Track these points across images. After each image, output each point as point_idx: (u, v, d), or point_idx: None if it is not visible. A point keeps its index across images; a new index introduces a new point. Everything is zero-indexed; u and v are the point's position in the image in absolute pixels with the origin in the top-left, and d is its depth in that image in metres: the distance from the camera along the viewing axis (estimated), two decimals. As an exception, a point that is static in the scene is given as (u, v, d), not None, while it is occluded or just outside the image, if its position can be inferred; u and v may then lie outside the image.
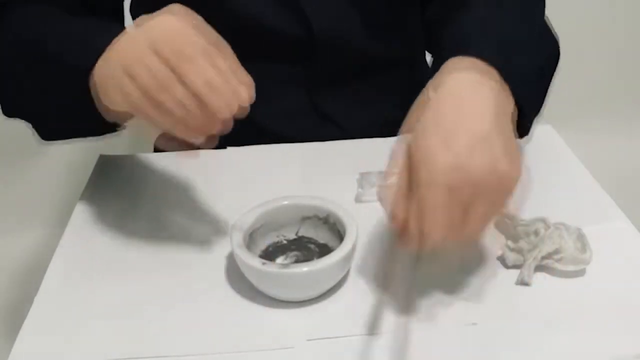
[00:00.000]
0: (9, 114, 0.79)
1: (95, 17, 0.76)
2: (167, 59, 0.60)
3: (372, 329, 0.61)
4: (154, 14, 0.65)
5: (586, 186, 0.81)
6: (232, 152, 0.86)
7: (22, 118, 0.78)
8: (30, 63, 0.73)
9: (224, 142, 0.87)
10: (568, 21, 1.98)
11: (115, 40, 0.65)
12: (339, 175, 0.80)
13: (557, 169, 0.84)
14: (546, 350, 0.59)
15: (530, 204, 0.74)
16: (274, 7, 0.86)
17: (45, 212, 1.62)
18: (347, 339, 0.61)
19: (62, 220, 0.77)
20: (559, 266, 0.66)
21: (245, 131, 0.87)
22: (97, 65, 0.66)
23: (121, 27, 0.68)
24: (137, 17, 0.79)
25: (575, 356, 0.59)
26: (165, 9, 0.65)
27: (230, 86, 0.61)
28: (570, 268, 0.66)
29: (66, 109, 0.72)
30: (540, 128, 0.92)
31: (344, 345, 0.60)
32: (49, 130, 0.78)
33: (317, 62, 0.90)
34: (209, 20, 0.87)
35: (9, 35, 0.77)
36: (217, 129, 0.63)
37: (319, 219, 0.69)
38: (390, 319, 0.62)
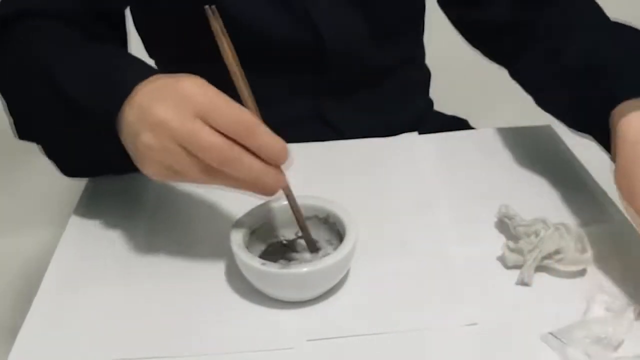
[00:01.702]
0: (23, 138, 0.76)
1: (101, 36, 0.75)
2: (226, 131, 0.57)
3: (373, 328, 0.61)
4: (175, 76, 0.61)
5: (586, 186, 0.81)
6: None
7: (39, 146, 0.75)
8: (40, 92, 0.71)
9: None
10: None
11: (143, 89, 0.61)
12: (340, 176, 0.80)
13: (557, 169, 0.84)
14: (546, 351, 0.59)
15: (530, 204, 0.74)
16: (285, 18, 0.87)
17: (45, 213, 1.62)
18: (347, 339, 0.61)
19: (61, 221, 0.77)
20: (559, 266, 0.66)
21: None
22: (124, 111, 0.62)
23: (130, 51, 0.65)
24: (140, 29, 0.78)
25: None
26: (181, 75, 0.61)
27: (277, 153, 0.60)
28: (571, 268, 0.66)
29: (85, 147, 0.69)
30: (540, 128, 0.93)
31: (344, 346, 0.60)
32: (69, 167, 0.75)
33: (325, 72, 0.90)
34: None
35: (13, 56, 0.76)
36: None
37: (319, 219, 0.69)
38: (390, 319, 0.63)
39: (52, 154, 0.75)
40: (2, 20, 0.79)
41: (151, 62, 1.04)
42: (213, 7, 0.60)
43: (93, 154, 0.69)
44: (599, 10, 0.80)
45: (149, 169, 0.62)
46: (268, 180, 0.60)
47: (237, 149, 0.58)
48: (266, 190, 0.61)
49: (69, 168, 0.76)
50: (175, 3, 0.86)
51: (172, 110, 0.58)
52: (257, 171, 0.59)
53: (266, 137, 0.58)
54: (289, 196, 0.65)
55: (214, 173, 0.59)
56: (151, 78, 0.63)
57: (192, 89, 0.59)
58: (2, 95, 0.76)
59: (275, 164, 0.60)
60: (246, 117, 0.58)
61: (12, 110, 0.75)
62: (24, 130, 0.76)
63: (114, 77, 0.65)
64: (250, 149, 0.58)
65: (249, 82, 0.92)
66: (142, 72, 0.63)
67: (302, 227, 0.67)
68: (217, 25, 0.60)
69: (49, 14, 0.79)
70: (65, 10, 0.79)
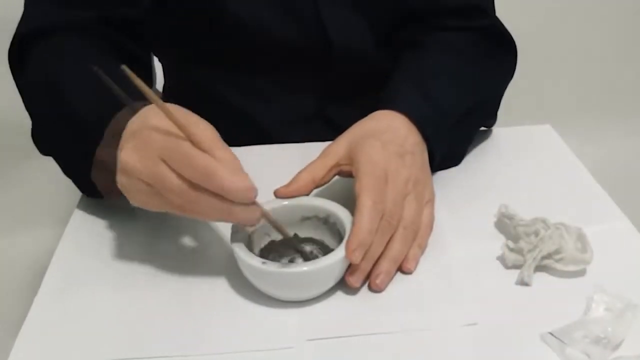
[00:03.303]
0: (44, 153, 0.79)
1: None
2: (187, 177, 0.59)
3: (372, 328, 0.61)
4: (145, 119, 0.63)
5: (586, 186, 0.81)
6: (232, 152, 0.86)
7: (56, 161, 0.77)
8: (51, 108, 0.73)
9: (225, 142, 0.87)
10: (568, 22, 1.99)
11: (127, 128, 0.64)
12: (340, 176, 0.80)
13: (557, 169, 0.84)
14: (546, 351, 0.59)
15: (530, 204, 0.74)
16: (294, 21, 0.87)
17: (45, 213, 1.62)
18: (347, 339, 0.61)
19: (62, 221, 0.77)
20: (559, 266, 0.66)
21: (249, 135, 0.88)
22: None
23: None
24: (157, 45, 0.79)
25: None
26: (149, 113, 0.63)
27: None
28: (571, 268, 0.66)
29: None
30: (540, 128, 0.93)
31: (344, 346, 0.60)
32: (80, 184, 0.76)
33: (330, 74, 0.91)
34: (228, 33, 0.89)
35: (34, 74, 0.78)
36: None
37: (319, 219, 0.69)
38: (390, 319, 0.63)
39: (65, 171, 0.76)
40: (19, 41, 0.80)
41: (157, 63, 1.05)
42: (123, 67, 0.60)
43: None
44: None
45: (134, 204, 0.64)
46: (238, 216, 0.61)
47: (194, 193, 0.59)
48: (244, 224, 0.64)
49: (82, 186, 0.77)
50: (182, 12, 0.87)
51: (135, 154, 0.61)
52: (222, 211, 0.60)
53: (226, 181, 0.58)
54: (272, 223, 0.66)
55: (187, 210, 0.61)
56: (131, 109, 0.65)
57: (156, 134, 0.61)
58: (28, 112, 0.79)
59: (241, 203, 0.60)
60: (202, 163, 0.58)
61: (34, 128, 0.78)
62: (43, 146, 0.79)
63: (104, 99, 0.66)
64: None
65: (250, 82, 0.92)
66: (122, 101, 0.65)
67: (291, 241, 0.67)
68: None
69: (65, 28, 0.79)
70: (82, 22, 0.80)
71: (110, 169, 0.64)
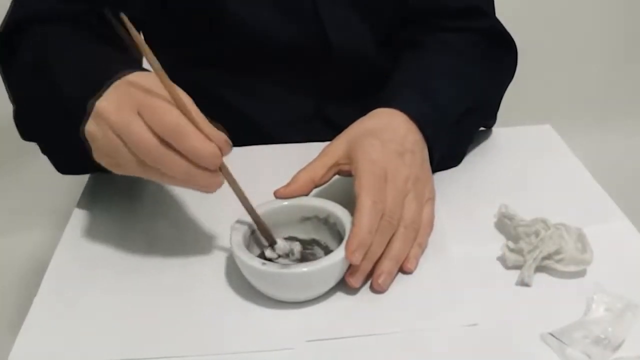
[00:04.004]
0: (27, 138, 0.79)
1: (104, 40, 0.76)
2: (157, 131, 0.59)
3: (373, 329, 0.61)
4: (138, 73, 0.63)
5: (586, 186, 0.81)
6: (232, 152, 0.86)
7: (38, 144, 0.77)
8: (34, 91, 0.73)
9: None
10: (569, 22, 1.99)
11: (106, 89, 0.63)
12: (340, 176, 0.80)
13: (557, 169, 0.84)
14: (546, 351, 0.59)
15: (530, 204, 0.74)
16: (294, 21, 0.88)
17: (45, 213, 1.62)
18: (347, 339, 0.61)
19: (61, 221, 0.77)
20: (559, 267, 0.66)
21: (249, 135, 0.88)
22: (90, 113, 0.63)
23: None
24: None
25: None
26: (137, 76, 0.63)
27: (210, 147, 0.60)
28: (571, 268, 0.66)
29: (69, 144, 0.70)
30: (540, 128, 0.93)
31: (344, 346, 0.60)
32: (61, 164, 0.77)
33: (329, 74, 0.91)
34: (227, 34, 0.88)
35: (23, 56, 0.77)
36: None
37: (319, 219, 0.69)
38: (390, 320, 0.63)
39: (47, 151, 0.76)
40: (14, 25, 0.79)
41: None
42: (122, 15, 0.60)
43: (74, 148, 0.70)
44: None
45: (97, 158, 0.64)
46: (199, 182, 0.61)
47: (163, 149, 0.59)
48: (201, 190, 0.63)
49: (61, 165, 0.77)
50: (182, 12, 0.87)
51: (113, 103, 0.61)
52: (185, 173, 0.60)
53: (195, 142, 0.58)
54: (237, 193, 0.65)
55: (148, 168, 0.60)
56: (126, 74, 0.63)
57: (137, 84, 0.60)
58: (12, 96, 0.78)
59: (205, 167, 0.60)
60: (175, 121, 0.58)
61: (19, 112, 0.77)
62: (27, 130, 0.77)
63: (93, 72, 0.66)
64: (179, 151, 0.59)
65: (250, 82, 0.92)
66: (119, 69, 0.64)
67: (256, 221, 0.67)
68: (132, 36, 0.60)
69: (58, 17, 0.79)
70: (76, 13, 0.80)
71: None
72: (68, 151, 0.69)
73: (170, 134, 0.58)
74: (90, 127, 0.62)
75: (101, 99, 0.62)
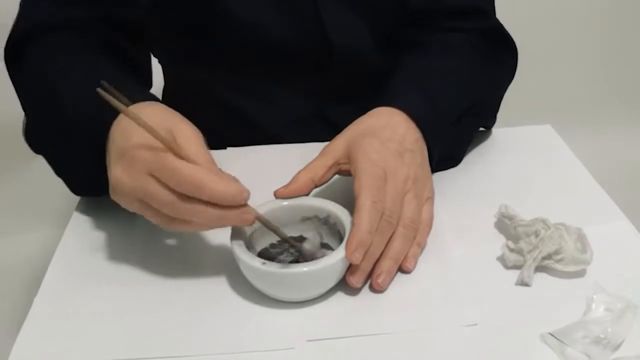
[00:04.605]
0: (37, 152, 0.80)
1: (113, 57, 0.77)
2: (176, 189, 0.60)
3: (373, 329, 0.61)
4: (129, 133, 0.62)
5: (586, 186, 0.81)
6: (232, 152, 0.86)
7: (48, 161, 0.78)
8: (46, 106, 0.74)
9: (224, 142, 0.87)
10: (569, 22, 1.99)
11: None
12: (340, 176, 0.80)
13: (557, 169, 0.84)
14: (546, 351, 0.59)
15: (530, 204, 0.74)
16: (295, 23, 0.87)
17: (45, 213, 1.62)
18: (348, 339, 0.61)
19: (62, 222, 0.77)
20: (559, 267, 0.66)
21: (249, 135, 0.88)
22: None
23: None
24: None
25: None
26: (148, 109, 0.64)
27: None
28: (571, 268, 0.66)
29: (80, 165, 0.72)
30: (540, 128, 0.93)
31: (344, 346, 0.60)
32: (74, 185, 0.77)
33: (330, 75, 0.91)
34: (228, 34, 0.88)
35: (31, 67, 0.78)
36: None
37: (319, 219, 0.69)
38: (390, 320, 0.63)
39: (57, 171, 0.77)
40: (16, 38, 0.80)
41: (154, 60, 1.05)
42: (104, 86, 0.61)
43: (87, 172, 0.71)
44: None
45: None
46: (232, 221, 0.62)
47: (187, 205, 0.60)
48: (236, 226, 0.64)
49: (74, 186, 0.77)
50: (182, 13, 0.87)
51: (126, 174, 0.62)
52: (216, 218, 0.61)
53: (216, 188, 0.59)
54: (265, 224, 0.65)
55: (179, 221, 0.62)
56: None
57: (141, 151, 0.61)
58: (24, 110, 0.79)
59: (234, 206, 0.61)
60: (191, 175, 0.59)
61: (28, 125, 0.79)
62: (36, 144, 0.79)
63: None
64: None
65: (250, 83, 0.92)
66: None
67: (286, 241, 0.67)
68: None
69: (63, 27, 0.80)
70: (80, 22, 0.80)
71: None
72: (80, 172, 0.71)
73: (190, 189, 0.59)
74: (116, 199, 0.64)
75: (112, 171, 0.63)
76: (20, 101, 0.79)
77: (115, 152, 0.63)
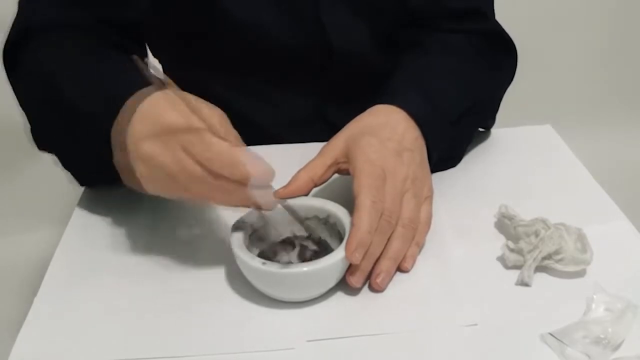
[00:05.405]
0: (42, 149, 0.80)
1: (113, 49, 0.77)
2: (209, 165, 0.61)
3: (373, 329, 0.61)
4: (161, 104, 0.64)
5: (586, 186, 0.81)
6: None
7: (55, 155, 0.78)
8: (49, 103, 0.74)
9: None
10: (569, 22, 1.99)
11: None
12: (340, 175, 0.80)
13: (557, 169, 0.84)
14: (546, 351, 0.59)
15: (530, 204, 0.74)
16: (296, 24, 0.88)
17: (45, 213, 1.62)
18: (348, 339, 0.61)
19: (62, 221, 0.77)
20: (559, 267, 0.66)
21: (249, 136, 0.88)
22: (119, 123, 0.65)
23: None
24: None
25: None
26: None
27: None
28: (571, 268, 0.66)
29: (88, 157, 0.72)
30: (540, 128, 0.93)
31: (344, 346, 0.60)
32: (81, 176, 0.78)
33: (330, 76, 0.91)
34: (228, 36, 0.88)
35: (31, 68, 0.78)
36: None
37: (319, 219, 0.69)
38: (390, 319, 0.63)
39: (65, 164, 0.77)
40: (20, 34, 0.80)
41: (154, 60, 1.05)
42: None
43: (96, 164, 0.71)
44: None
45: (150, 190, 0.65)
46: (258, 202, 0.63)
47: (217, 182, 0.61)
48: (261, 209, 0.65)
49: (81, 178, 0.78)
50: (182, 14, 0.88)
51: (158, 147, 0.62)
52: (244, 197, 0.62)
53: (250, 168, 0.60)
54: (287, 207, 0.66)
55: (206, 197, 0.63)
56: (140, 95, 0.64)
57: (174, 125, 0.61)
58: (23, 110, 0.79)
59: (260, 187, 0.62)
60: (226, 153, 0.60)
61: (31, 124, 0.78)
62: (42, 142, 0.79)
63: (107, 88, 0.68)
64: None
65: (251, 84, 0.92)
66: (132, 85, 0.66)
67: (307, 229, 0.68)
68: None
69: (62, 27, 0.79)
70: (80, 23, 0.80)
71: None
72: (88, 163, 0.71)
73: (224, 166, 0.60)
74: (141, 170, 0.63)
75: (143, 143, 0.62)
76: (19, 101, 0.79)
77: (138, 134, 0.63)
